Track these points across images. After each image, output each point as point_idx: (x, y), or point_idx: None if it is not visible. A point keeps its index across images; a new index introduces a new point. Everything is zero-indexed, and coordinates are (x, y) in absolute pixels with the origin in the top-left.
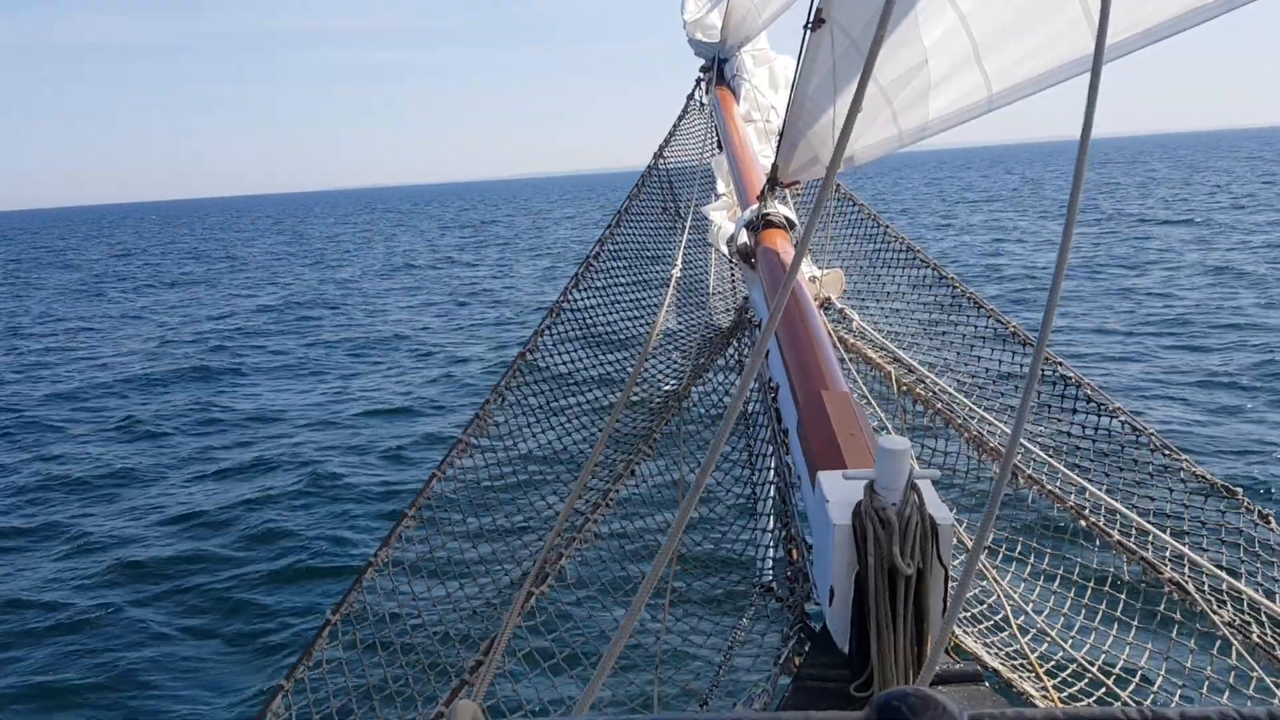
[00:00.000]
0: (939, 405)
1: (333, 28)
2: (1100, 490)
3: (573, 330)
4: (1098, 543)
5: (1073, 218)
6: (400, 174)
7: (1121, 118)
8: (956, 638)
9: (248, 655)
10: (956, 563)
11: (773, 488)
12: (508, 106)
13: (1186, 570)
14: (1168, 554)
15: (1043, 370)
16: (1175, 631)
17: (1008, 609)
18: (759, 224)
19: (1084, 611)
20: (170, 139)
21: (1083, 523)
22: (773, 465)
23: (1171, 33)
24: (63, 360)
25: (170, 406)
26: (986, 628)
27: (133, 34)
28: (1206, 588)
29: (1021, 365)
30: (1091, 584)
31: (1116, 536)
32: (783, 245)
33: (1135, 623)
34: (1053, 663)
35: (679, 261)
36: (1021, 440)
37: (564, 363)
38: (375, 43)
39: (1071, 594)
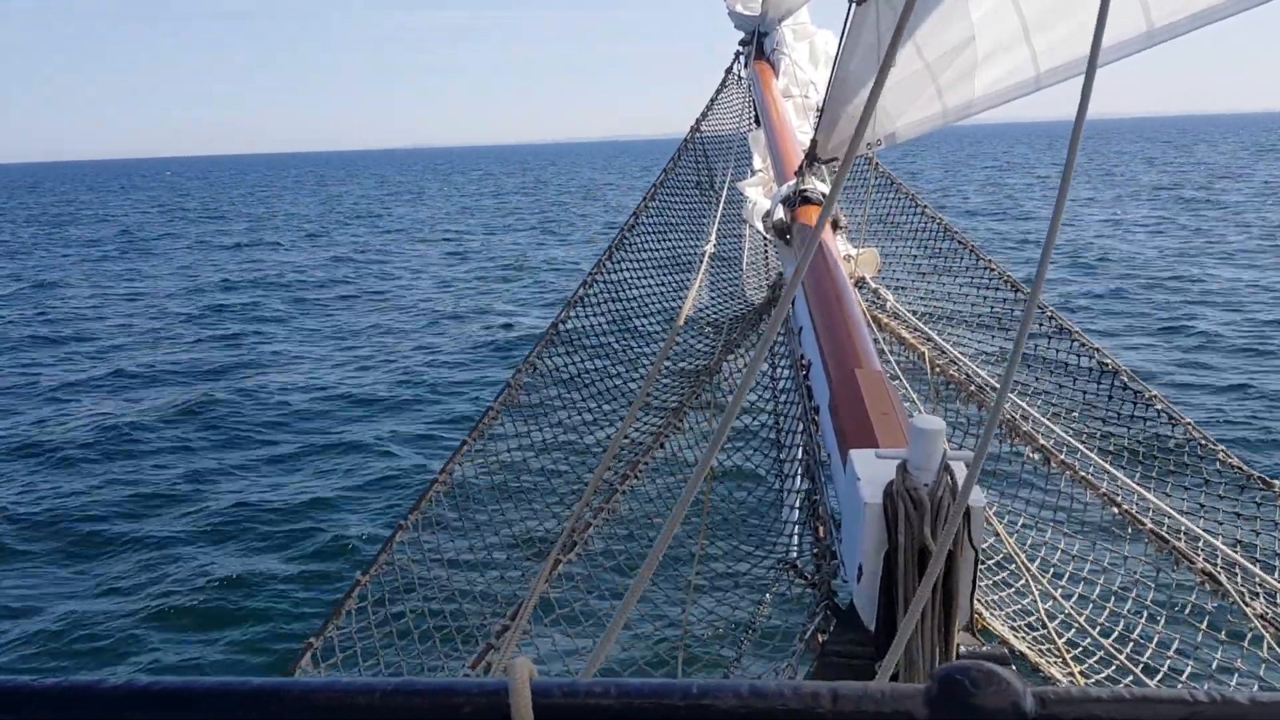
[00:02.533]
0: (972, 388)
1: None
2: (1133, 479)
3: (605, 303)
4: (1130, 530)
5: (1065, 194)
6: (435, 136)
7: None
8: (984, 620)
9: (281, 616)
10: (986, 545)
11: (801, 465)
12: (560, 70)
13: (1220, 562)
14: (1200, 544)
15: (1078, 357)
16: (1206, 623)
17: (1036, 593)
18: (796, 200)
19: (1113, 599)
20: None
21: (1115, 510)
22: (802, 443)
23: (1221, 16)
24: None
25: (207, 362)
26: (1014, 611)
27: None
28: (1239, 580)
29: (1057, 350)
30: (1122, 572)
31: (1149, 525)
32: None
33: (1165, 612)
34: (1080, 649)
35: (713, 237)
36: (1053, 425)
37: (595, 335)
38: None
39: (1101, 581)
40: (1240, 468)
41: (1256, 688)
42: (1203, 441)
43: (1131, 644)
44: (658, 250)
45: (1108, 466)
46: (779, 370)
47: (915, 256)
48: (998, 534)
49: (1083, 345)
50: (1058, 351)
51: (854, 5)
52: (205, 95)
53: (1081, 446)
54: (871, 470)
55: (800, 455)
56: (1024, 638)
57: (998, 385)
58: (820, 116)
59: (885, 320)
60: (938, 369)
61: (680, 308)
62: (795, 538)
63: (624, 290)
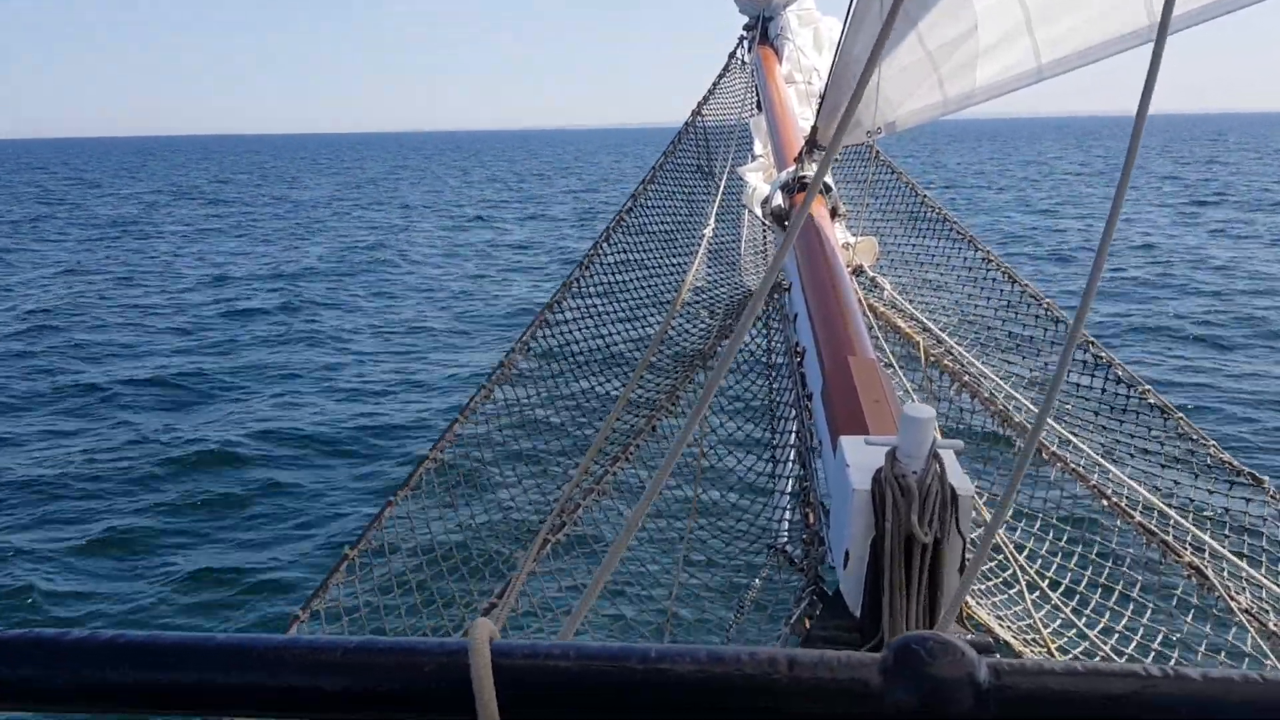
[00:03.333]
0: (966, 378)
1: None
2: (1124, 472)
3: (601, 285)
4: (1118, 523)
5: (1122, 195)
6: (443, 120)
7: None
8: (970, 608)
9: (269, 590)
10: (974, 535)
11: (793, 451)
12: (565, 54)
13: (1207, 555)
14: (1189, 538)
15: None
16: (1191, 615)
17: (1023, 583)
18: (795, 186)
19: (1100, 590)
20: (220, 72)
21: (1104, 502)
22: (794, 429)
23: (1240, 6)
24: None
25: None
26: (1001, 600)
27: None
28: (1226, 573)
29: (1053, 343)
30: (1109, 564)
31: (1137, 518)
32: (818, 209)
33: (1151, 604)
34: (1065, 639)
35: (711, 221)
36: (1046, 417)
37: (590, 317)
38: None
39: (1088, 572)
40: (1230, 463)
41: None
42: (1193, 436)
43: (1117, 635)
44: (655, 234)
45: (1098, 459)
46: (773, 357)
47: (914, 244)
48: (986, 523)
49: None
50: (1053, 346)
51: None
52: (191, 74)
53: (1074, 438)
54: (861, 457)
55: (792, 441)
56: (1009, 627)
57: (992, 375)
58: (822, 103)
59: (881, 309)
60: (932, 358)
61: (677, 291)
62: (785, 523)
63: (620, 273)
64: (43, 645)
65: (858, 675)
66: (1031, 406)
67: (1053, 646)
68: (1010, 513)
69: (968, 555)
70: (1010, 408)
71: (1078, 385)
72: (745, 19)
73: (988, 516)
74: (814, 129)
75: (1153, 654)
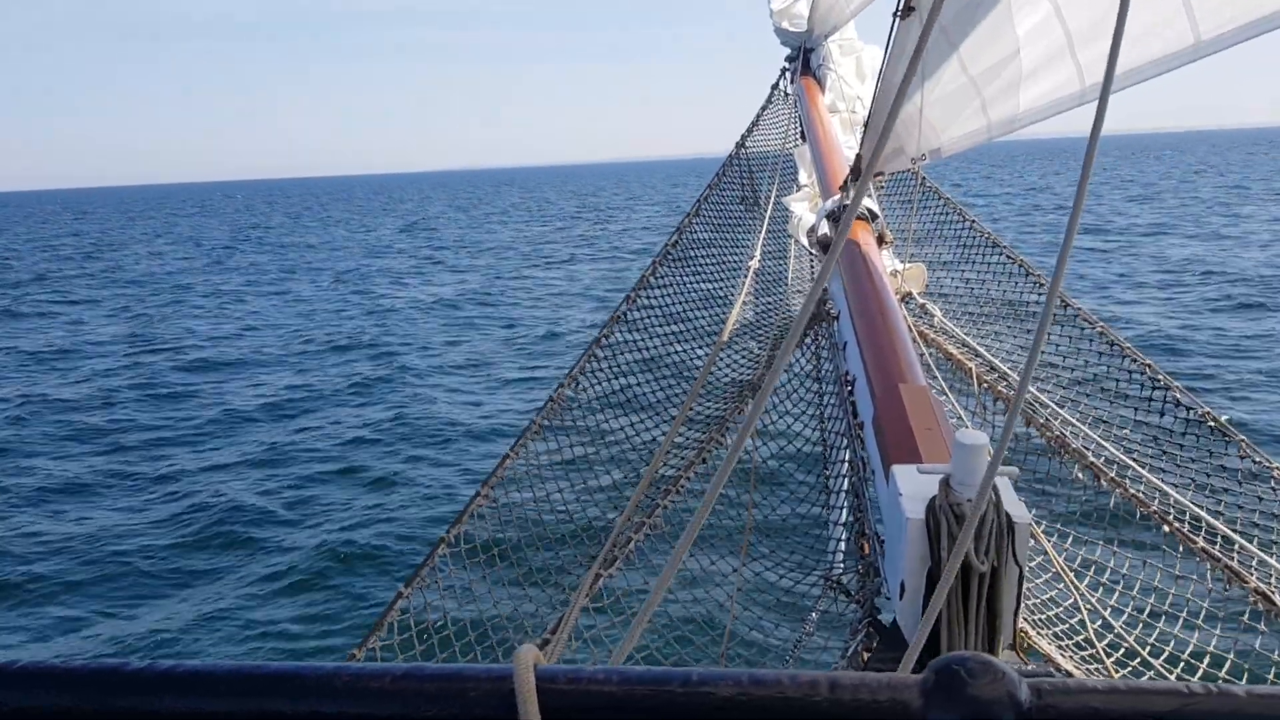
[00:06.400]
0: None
1: (419, 8)
2: (1185, 497)
3: (648, 317)
4: (1181, 549)
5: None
6: (487, 156)
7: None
8: (1030, 638)
9: (328, 624)
10: (1033, 564)
11: (845, 481)
12: (614, 90)
13: (1273, 580)
14: (1254, 563)
15: (1130, 373)
16: (1259, 642)
17: (1084, 612)
18: (840, 214)
19: (1164, 619)
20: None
21: (1165, 528)
22: (846, 459)
23: (1272, 28)
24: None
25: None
26: (1062, 630)
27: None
28: None
29: (1108, 366)
30: (1173, 591)
31: (1201, 543)
32: (864, 236)
33: (1217, 632)
34: (1129, 668)
35: (757, 252)
36: (1104, 442)
37: (638, 350)
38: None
39: (1152, 600)
40: None
41: None
42: (1257, 459)
43: (1182, 664)
44: (702, 265)
45: (1158, 484)
46: (823, 386)
47: (964, 270)
48: (1046, 551)
49: (1134, 361)
50: (1108, 369)
51: (897, 19)
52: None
53: (1133, 463)
54: (914, 485)
55: (845, 471)
56: (1071, 657)
57: (1048, 402)
58: (865, 131)
59: (932, 335)
60: (985, 384)
61: (724, 322)
62: (839, 554)
63: (668, 305)
64: (103, 675)
65: (899, 696)
66: (1088, 430)
67: (1116, 676)
68: (1061, 537)
69: (1025, 584)
70: (1067, 434)
71: (1135, 409)
72: (787, 50)
73: (1046, 545)
74: (858, 157)
75: (1219, 683)
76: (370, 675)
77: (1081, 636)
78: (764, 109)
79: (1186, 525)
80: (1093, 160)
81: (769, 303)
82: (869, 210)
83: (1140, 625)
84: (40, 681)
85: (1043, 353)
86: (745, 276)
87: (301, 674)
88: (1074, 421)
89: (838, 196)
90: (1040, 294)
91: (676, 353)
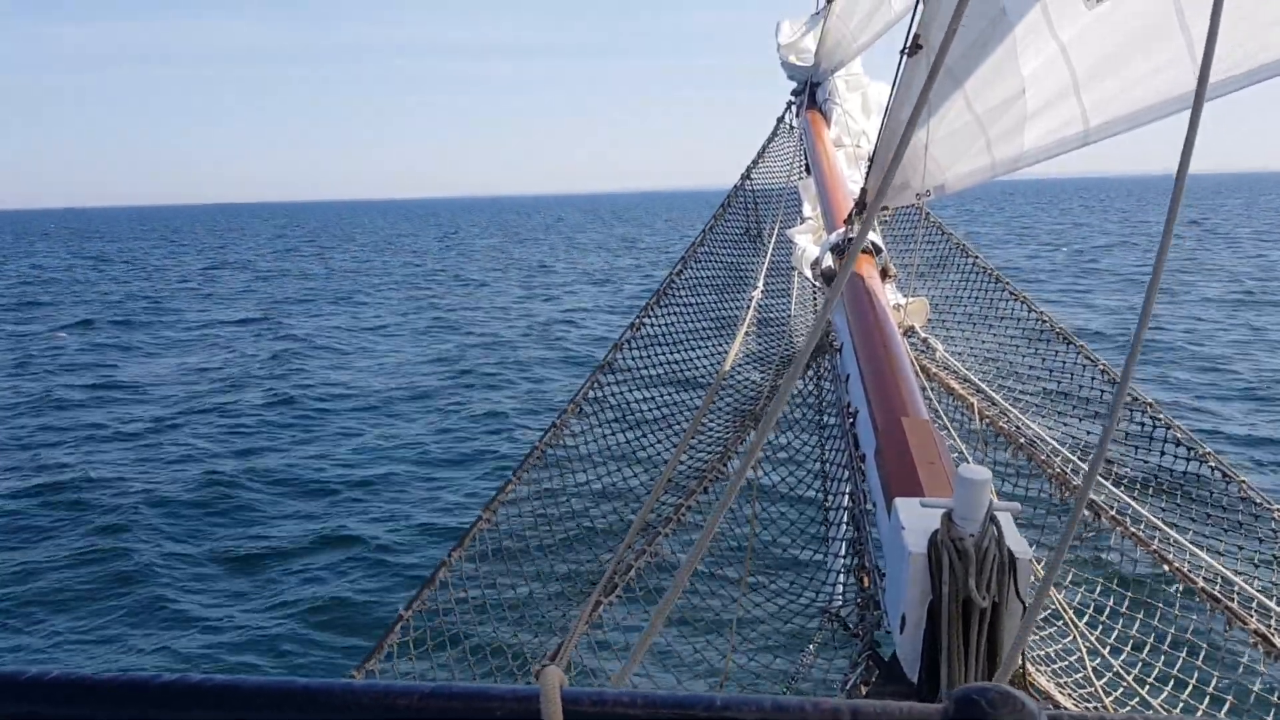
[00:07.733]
0: (1022, 440)
1: (448, 39)
2: (1185, 536)
3: (651, 347)
4: (1180, 588)
5: (1165, 253)
6: (505, 184)
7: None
8: (1030, 675)
9: (326, 645)
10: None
11: (846, 514)
12: (626, 119)
13: (1273, 622)
14: (1254, 604)
15: (1130, 411)
16: (1259, 684)
17: (1083, 650)
18: (844, 247)
19: (1163, 658)
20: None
21: (1165, 568)
22: (847, 491)
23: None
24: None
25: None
26: (1061, 668)
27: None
28: None
29: (1107, 404)
30: (1173, 630)
31: (1201, 584)
32: (868, 270)
33: (1216, 673)
34: (1128, 708)
35: (760, 283)
36: (1105, 481)
37: (641, 379)
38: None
39: (1151, 639)
40: None
41: None
42: (1257, 500)
43: (1181, 704)
44: (705, 295)
45: (1158, 523)
46: (825, 418)
47: (966, 305)
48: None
49: (1135, 399)
50: (1108, 407)
51: (905, 56)
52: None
53: (1133, 502)
54: (916, 519)
55: (845, 503)
56: (1070, 694)
57: (1049, 439)
58: (870, 165)
59: (934, 370)
60: (986, 419)
61: (727, 353)
62: (839, 587)
63: (670, 335)
64: (135, 686)
65: None
66: (1087, 469)
67: (1115, 714)
68: (1061, 574)
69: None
70: (1068, 470)
71: (1135, 448)
72: (793, 84)
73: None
74: (863, 191)
75: None
76: (398, 693)
77: (1080, 674)
78: (769, 142)
79: (1186, 565)
80: (1176, 214)
81: (772, 334)
82: (873, 244)
83: (1139, 664)
84: (73, 692)
85: (1044, 390)
86: (748, 307)
87: (330, 690)
88: (1074, 460)
89: (842, 230)
90: (1040, 321)
91: (680, 381)
